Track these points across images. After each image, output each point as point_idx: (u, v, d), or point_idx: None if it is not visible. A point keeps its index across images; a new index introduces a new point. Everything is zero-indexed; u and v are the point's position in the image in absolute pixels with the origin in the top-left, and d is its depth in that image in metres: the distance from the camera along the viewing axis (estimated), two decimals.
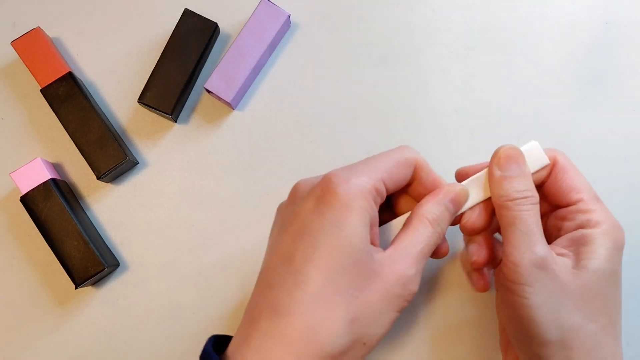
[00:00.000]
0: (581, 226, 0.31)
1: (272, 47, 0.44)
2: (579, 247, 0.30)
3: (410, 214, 0.31)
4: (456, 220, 0.33)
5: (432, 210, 0.31)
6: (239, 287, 0.42)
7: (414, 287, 0.29)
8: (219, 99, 0.43)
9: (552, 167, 0.33)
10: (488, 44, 0.45)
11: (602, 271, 0.30)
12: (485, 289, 0.35)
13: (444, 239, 0.32)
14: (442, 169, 0.43)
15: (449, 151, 0.43)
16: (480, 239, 0.34)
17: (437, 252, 0.32)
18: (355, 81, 0.44)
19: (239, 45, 0.43)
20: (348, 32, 0.45)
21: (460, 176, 0.35)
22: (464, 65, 0.44)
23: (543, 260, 0.29)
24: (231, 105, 0.43)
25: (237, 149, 0.44)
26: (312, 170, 0.43)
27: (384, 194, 0.30)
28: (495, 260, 0.34)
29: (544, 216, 0.35)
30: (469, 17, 0.45)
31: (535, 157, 0.32)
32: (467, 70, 0.44)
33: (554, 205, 0.34)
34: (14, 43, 0.43)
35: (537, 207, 0.30)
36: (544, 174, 0.33)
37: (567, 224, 0.32)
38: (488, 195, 0.32)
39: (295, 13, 0.45)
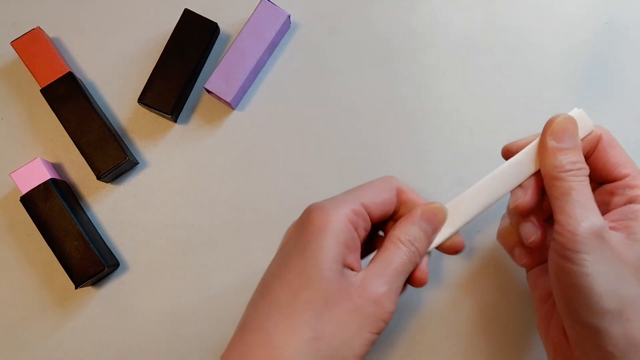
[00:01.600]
0: (630, 201, 0.31)
1: (272, 47, 0.44)
2: (629, 222, 0.30)
3: (384, 236, 0.32)
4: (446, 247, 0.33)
5: (404, 231, 0.31)
6: (239, 288, 0.42)
7: (389, 305, 0.28)
8: (219, 99, 0.43)
9: (597, 142, 0.33)
10: (488, 44, 0.45)
11: None
12: (533, 265, 0.35)
13: (422, 270, 0.32)
14: (442, 169, 0.43)
15: (449, 151, 0.43)
16: (534, 218, 0.33)
17: (414, 279, 0.32)
18: (355, 81, 0.44)
19: (239, 45, 0.43)
20: (348, 32, 0.45)
21: (508, 153, 0.34)
22: (464, 65, 0.44)
23: (600, 230, 0.29)
24: (231, 105, 0.43)
25: (237, 149, 0.44)
26: (312, 170, 0.43)
27: (367, 217, 0.31)
28: (546, 238, 0.34)
29: None
30: (469, 17, 0.45)
31: (580, 124, 0.32)
32: (467, 70, 0.44)
33: (598, 182, 0.34)
34: (14, 43, 0.43)
35: (588, 180, 0.30)
36: (588, 144, 0.33)
37: (616, 199, 0.32)
38: (533, 170, 0.32)
39: (295, 13, 0.45)
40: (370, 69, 0.44)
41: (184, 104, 0.44)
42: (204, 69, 0.45)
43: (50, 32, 0.45)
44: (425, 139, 0.43)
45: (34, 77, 0.43)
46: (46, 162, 0.42)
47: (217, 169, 0.43)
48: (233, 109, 0.44)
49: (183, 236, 0.43)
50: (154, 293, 0.42)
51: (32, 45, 0.43)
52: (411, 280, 0.32)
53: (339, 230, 0.29)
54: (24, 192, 0.41)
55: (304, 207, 0.43)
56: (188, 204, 0.43)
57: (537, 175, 0.32)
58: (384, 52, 0.45)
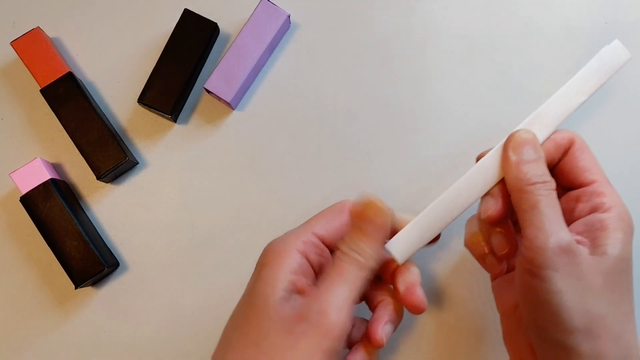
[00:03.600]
0: (595, 209, 0.31)
1: (272, 47, 0.44)
2: (594, 232, 0.30)
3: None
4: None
5: (342, 240, 0.31)
6: (238, 288, 0.42)
7: (334, 319, 0.28)
8: (219, 99, 0.43)
9: (569, 147, 0.33)
10: (488, 44, 0.45)
11: (621, 257, 0.29)
12: (502, 273, 0.35)
13: (414, 294, 0.32)
14: (442, 169, 0.43)
15: (449, 151, 0.43)
16: (504, 229, 0.33)
17: (408, 305, 0.32)
18: (355, 81, 0.44)
19: (238, 45, 0.43)
20: (348, 32, 0.45)
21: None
22: (464, 65, 0.44)
23: (569, 245, 0.28)
24: (231, 105, 0.43)
25: (237, 149, 0.44)
26: (312, 170, 0.43)
27: (319, 244, 0.32)
28: (517, 249, 0.34)
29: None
30: (469, 17, 0.45)
31: (618, 53, 0.32)
32: (467, 70, 0.44)
33: (566, 187, 0.33)
34: (13, 43, 0.43)
35: (555, 193, 0.30)
36: (560, 149, 0.33)
37: (581, 206, 0.32)
38: (497, 179, 0.32)
39: (295, 13, 0.45)
40: (370, 69, 0.44)
41: (184, 104, 0.44)
42: (203, 69, 0.45)
43: (50, 32, 0.45)
44: (425, 139, 0.43)
45: (34, 77, 0.43)
46: (46, 162, 0.42)
47: (216, 169, 0.43)
48: (233, 109, 0.44)
49: (183, 236, 0.43)
50: (154, 293, 0.42)
51: (32, 45, 0.43)
52: (406, 306, 0.32)
53: (286, 262, 0.30)
54: (23, 192, 0.41)
55: (304, 207, 0.43)
56: (188, 204, 0.43)
57: (504, 182, 0.32)
58: (384, 52, 0.45)
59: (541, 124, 0.32)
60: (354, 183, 0.43)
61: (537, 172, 0.30)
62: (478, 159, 0.34)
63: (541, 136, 0.32)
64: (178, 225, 0.43)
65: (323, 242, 0.32)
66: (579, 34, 0.44)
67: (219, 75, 0.42)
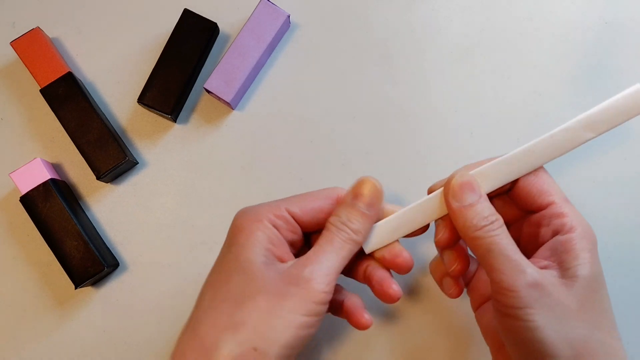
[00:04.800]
0: (557, 231, 0.31)
1: (272, 47, 0.44)
2: (561, 255, 0.30)
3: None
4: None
5: (334, 214, 0.32)
6: None
7: (317, 285, 0.29)
8: (219, 99, 0.43)
9: None
10: (488, 43, 0.45)
11: (592, 276, 0.29)
12: (458, 294, 0.35)
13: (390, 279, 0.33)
14: (441, 169, 0.43)
15: (449, 151, 0.43)
16: (454, 249, 0.34)
17: (381, 294, 0.33)
18: (355, 81, 0.44)
19: (238, 45, 0.43)
20: (348, 32, 0.45)
21: (430, 192, 0.35)
22: (464, 65, 0.44)
23: (537, 279, 0.28)
24: (231, 105, 0.43)
25: (236, 149, 0.44)
26: (312, 170, 0.43)
27: (291, 221, 0.32)
28: (468, 266, 0.34)
29: (516, 224, 0.34)
30: (469, 17, 0.45)
31: (636, 101, 0.30)
32: (467, 70, 0.44)
33: (524, 211, 0.33)
34: (13, 43, 0.43)
35: (505, 227, 0.30)
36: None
37: (543, 230, 0.31)
38: (445, 212, 0.32)
39: (295, 13, 0.45)
40: (370, 69, 0.44)
41: (184, 104, 0.44)
42: (203, 69, 0.45)
43: (50, 32, 0.45)
44: (425, 139, 0.43)
45: (34, 77, 0.43)
46: (46, 162, 0.42)
47: (216, 169, 0.43)
48: (232, 109, 0.44)
49: (183, 236, 0.43)
50: (154, 293, 0.42)
51: (32, 46, 0.43)
52: (381, 295, 0.33)
53: (256, 230, 0.30)
54: (23, 192, 0.41)
55: None
56: (188, 204, 0.43)
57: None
58: (384, 52, 0.45)
59: (528, 161, 0.32)
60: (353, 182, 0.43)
61: (482, 214, 0.30)
62: (429, 190, 0.35)
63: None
64: (178, 225, 0.43)
65: (296, 221, 0.32)
66: (578, 33, 0.44)
67: (219, 75, 0.42)
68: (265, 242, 0.30)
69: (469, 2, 0.45)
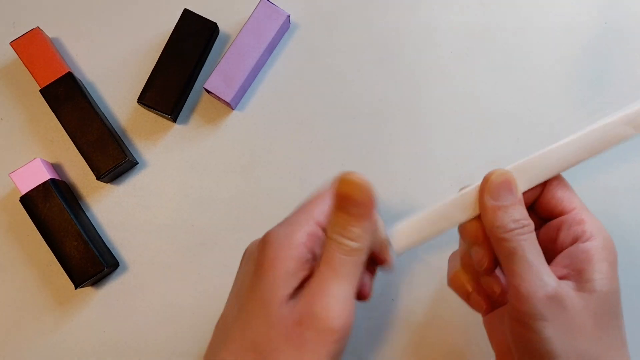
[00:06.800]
0: (577, 238, 0.30)
1: (272, 47, 0.44)
2: (580, 264, 0.29)
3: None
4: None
5: (327, 223, 0.28)
6: None
7: (333, 322, 0.26)
8: (219, 99, 0.43)
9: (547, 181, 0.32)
10: (488, 44, 0.45)
11: (610, 292, 0.29)
12: (488, 311, 0.33)
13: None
14: (441, 169, 0.43)
15: (449, 151, 0.43)
16: (485, 245, 0.31)
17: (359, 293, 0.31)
18: (354, 81, 0.44)
19: (238, 45, 0.43)
20: (348, 32, 0.45)
21: None
22: (464, 66, 0.44)
23: (555, 292, 0.28)
24: (231, 105, 0.43)
25: (237, 149, 0.44)
26: (312, 170, 0.43)
27: (321, 234, 0.29)
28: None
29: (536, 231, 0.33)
30: (469, 18, 0.45)
31: None
32: (467, 71, 0.44)
33: (544, 218, 0.33)
34: (13, 43, 0.43)
35: (534, 234, 0.29)
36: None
37: (562, 235, 0.31)
38: (477, 213, 0.30)
39: (295, 13, 0.45)
40: (370, 69, 0.44)
41: (184, 104, 0.44)
42: (203, 69, 0.45)
43: (50, 32, 0.45)
44: (425, 139, 0.43)
45: (34, 77, 0.43)
46: (46, 163, 0.42)
47: (216, 169, 0.43)
48: (232, 109, 0.44)
49: (183, 236, 0.43)
50: (154, 293, 0.42)
51: (32, 46, 0.43)
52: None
53: (294, 257, 0.27)
54: (23, 192, 0.41)
55: None
56: (188, 204, 0.43)
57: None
58: (384, 53, 0.45)
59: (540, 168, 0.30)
60: None
61: (514, 217, 0.29)
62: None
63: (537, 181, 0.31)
64: (178, 225, 0.43)
65: (323, 230, 0.29)
66: (578, 34, 0.44)
67: (219, 75, 0.42)
68: (296, 270, 0.27)
69: (469, 2, 0.45)
